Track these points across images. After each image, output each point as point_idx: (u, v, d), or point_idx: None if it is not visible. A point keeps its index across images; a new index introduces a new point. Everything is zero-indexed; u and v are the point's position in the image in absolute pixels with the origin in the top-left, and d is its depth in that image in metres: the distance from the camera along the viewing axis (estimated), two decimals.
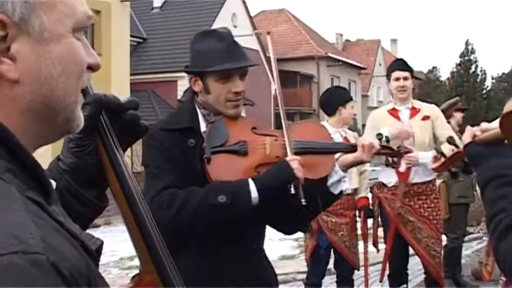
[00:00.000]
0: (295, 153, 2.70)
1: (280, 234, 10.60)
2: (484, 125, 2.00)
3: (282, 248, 11.55)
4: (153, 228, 1.33)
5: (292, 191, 2.62)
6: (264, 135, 2.77)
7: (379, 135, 2.97)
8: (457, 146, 2.32)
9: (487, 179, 1.85)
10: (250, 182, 2.59)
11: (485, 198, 1.85)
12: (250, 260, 2.75)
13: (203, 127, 2.75)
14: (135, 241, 1.33)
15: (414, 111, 5.82)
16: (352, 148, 2.84)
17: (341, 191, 2.85)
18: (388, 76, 5.97)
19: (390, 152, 3.03)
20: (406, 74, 5.84)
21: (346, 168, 2.83)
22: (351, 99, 6.11)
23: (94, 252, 0.95)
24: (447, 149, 2.48)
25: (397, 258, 5.93)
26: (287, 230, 3.02)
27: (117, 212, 1.37)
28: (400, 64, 6.00)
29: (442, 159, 2.45)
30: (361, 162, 2.89)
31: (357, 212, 6.19)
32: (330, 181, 2.77)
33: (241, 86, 2.72)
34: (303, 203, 2.63)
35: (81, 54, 1.01)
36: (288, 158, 2.64)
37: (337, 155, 2.92)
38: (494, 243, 1.72)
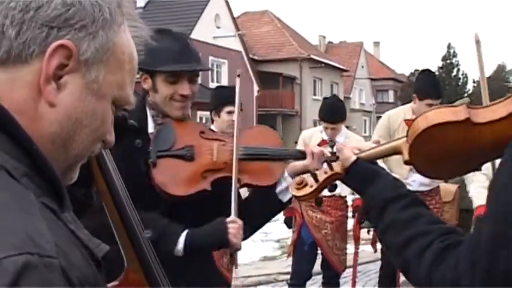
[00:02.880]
0: (243, 159, 2.67)
1: (262, 236, 10.56)
2: (363, 144, 1.89)
3: (263, 249, 11.56)
4: (139, 228, 1.35)
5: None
6: (212, 140, 2.74)
7: (332, 142, 2.92)
8: (331, 168, 1.89)
9: (386, 200, 1.64)
10: (182, 235, 2.54)
11: (387, 221, 1.62)
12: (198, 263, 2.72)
13: (151, 128, 2.72)
14: (121, 240, 1.36)
15: None
16: (301, 155, 2.78)
17: (290, 199, 2.80)
18: (418, 95, 5.69)
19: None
20: (438, 102, 5.59)
21: (295, 175, 2.73)
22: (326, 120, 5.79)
23: (101, 261, 0.98)
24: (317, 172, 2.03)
25: None
26: None
27: None
28: (434, 93, 5.63)
29: (314, 185, 1.93)
30: (310, 170, 2.82)
31: (350, 214, 6.17)
32: (279, 188, 2.76)
33: (188, 90, 2.67)
34: (235, 268, 2.65)
35: (108, 123, 1.07)
36: (229, 219, 2.57)
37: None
38: (425, 268, 1.46)
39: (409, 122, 5.69)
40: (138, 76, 2.70)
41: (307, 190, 1.93)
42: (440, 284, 1.42)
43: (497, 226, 1.32)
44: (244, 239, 2.68)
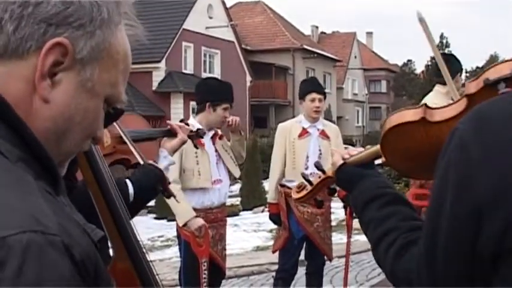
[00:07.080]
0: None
1: (255, 226, 10.59)
2: (352, 148, 1.94)
3: (256, 239, 11.60)
4: (126, 217, 1.36)
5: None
6: None
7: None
8: (324, 172, 2.02)
9: (367, 200, 1.72)
10: (129, 183, 2.67)
11: (366, 220, 1.69)
12: None
13: None
14: (108, 229, 1.36)
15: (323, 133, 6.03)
16: (170, 132, 3.21)
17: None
18: (301, 97, 6.00)
19: (196, 133, 3.62)
20: (322, 96, 5.94)
21: (174, 152, 3.23)
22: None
23: (97, 243, 0.98)
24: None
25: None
26: None
27: None
28: (317, 86, 6.07)
29: (309, 188, 2.09)
30: (184, 142, 3.28)
31: (332, 204, 6.18)
32: (161, 167, 3.00)
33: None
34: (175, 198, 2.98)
35: (99, 120, 1.08)
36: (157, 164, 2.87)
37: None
38: (389, 264, 1.52)
39: (303, 132, 5.80)
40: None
41: (304, 193, 2.10)
42: (402, 280, 1.47)
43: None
44: (132, 216, 2.75)
